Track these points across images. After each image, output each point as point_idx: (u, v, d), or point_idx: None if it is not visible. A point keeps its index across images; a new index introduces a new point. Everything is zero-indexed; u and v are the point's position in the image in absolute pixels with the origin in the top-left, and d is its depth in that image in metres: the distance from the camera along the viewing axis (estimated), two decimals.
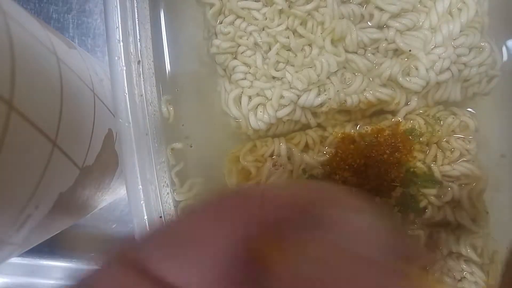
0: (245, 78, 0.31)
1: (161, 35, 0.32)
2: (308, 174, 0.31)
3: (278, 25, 0.30)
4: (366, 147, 0.31)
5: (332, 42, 0.30)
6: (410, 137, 0.31)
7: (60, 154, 0.23)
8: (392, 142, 0.31)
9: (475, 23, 0.31)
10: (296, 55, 0.30)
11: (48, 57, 0.23)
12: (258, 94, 0.31)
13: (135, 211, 0.27)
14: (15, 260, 0.49)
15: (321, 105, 0.31)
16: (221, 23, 0.31)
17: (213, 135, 0.33)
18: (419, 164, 0.31)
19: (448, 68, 0.31)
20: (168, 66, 0.33)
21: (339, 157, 0.31)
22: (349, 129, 0.31)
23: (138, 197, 0.27)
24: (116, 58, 0.27)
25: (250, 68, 0.31)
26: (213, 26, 0.31)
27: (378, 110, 0.33)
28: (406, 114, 0.32)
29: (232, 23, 0.31)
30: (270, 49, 0.30)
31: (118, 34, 0.27)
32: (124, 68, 0.27)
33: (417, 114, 0.32)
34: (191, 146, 0.32)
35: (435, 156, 0.31)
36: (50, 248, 0.49)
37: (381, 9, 0.31)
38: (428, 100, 0.32)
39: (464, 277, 0.31)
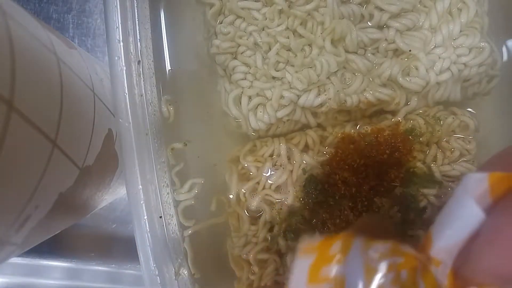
0: (245, 78, 0.31)
1: (161, 35, 0.32)
2: (308, 174, 0.31)
3: (278, 25, 0.30)
4: (366, 147, 0.31)
5: (332, 42, 0.30)
6: (410, 137, 0.31)
7: (60, 154, 0.23)
8: (392, 142, 0.31)
9: (475, 23, 0.31)
10: (296, 55, 0.30)
11: (48, 57, 0.23)
12: (258, 94, 0.31)
13: (135, 211, 0.27)
14: (15, 260, 0.49)
15: (321, 105, 0.31)
16: (221, 23, 0.31)
17: (213, 135, 0.33)
18: (419, 164, 0.31)
19: (448, 68, 0.31)
20: (168, 66, 0.32)
21: (339, 157, 0.31)
22: (349, 129, 0.31)
23: (138, 197, 0.27)
24: (116, 58, 0.27)
25: (250, 68, 0.31)
26: (213, 26, 0.31)
27: (378, 110, 0.33)
28: (406, 114, 0.32)
29: (232, 23, 0.31)
30: (270, 49, 0.30)
31: (118, 34, 0.27)
32: (124, 68, 0.27)
33: (417, 114, 0.32)
34: (186, 145, 0.32)
35: (435, 156, 0.31)
36: (50, 248, 0.49)
37: (381, 9, 0.31)
38: (428, 100, 0.32)
39: None
